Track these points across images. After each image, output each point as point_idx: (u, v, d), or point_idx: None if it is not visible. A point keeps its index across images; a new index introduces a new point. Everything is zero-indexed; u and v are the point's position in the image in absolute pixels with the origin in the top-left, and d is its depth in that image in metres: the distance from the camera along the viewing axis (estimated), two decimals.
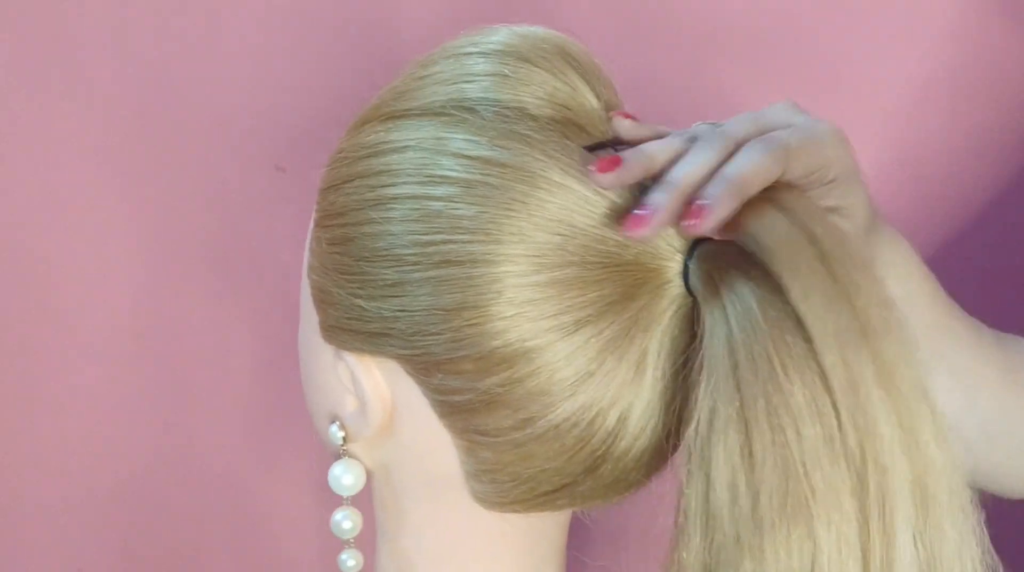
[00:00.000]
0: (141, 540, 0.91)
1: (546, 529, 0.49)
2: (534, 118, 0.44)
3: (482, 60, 0.45)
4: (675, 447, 0.44)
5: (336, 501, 0.49)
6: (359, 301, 0.43)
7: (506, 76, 0.44)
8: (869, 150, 0.69)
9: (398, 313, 0.42)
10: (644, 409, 0.42)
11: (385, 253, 0.42)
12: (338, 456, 0.48)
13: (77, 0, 0.82)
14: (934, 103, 0.74)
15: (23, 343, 0.87)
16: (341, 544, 0.50)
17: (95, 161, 0.85)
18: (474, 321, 0.41)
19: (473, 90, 0.44)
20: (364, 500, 0.50)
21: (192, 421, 0.89)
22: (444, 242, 0.41)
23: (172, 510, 0.91)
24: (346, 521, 0.49)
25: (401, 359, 0.44)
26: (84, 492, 0.89)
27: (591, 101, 0.45)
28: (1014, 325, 0.58)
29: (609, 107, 0.46)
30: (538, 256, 0.41)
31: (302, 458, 0.87)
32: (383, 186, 0.43)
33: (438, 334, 0.42)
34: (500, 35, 0.46)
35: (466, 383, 0.42)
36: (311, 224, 0.48)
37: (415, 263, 0.42)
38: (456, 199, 0.41)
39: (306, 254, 0.48)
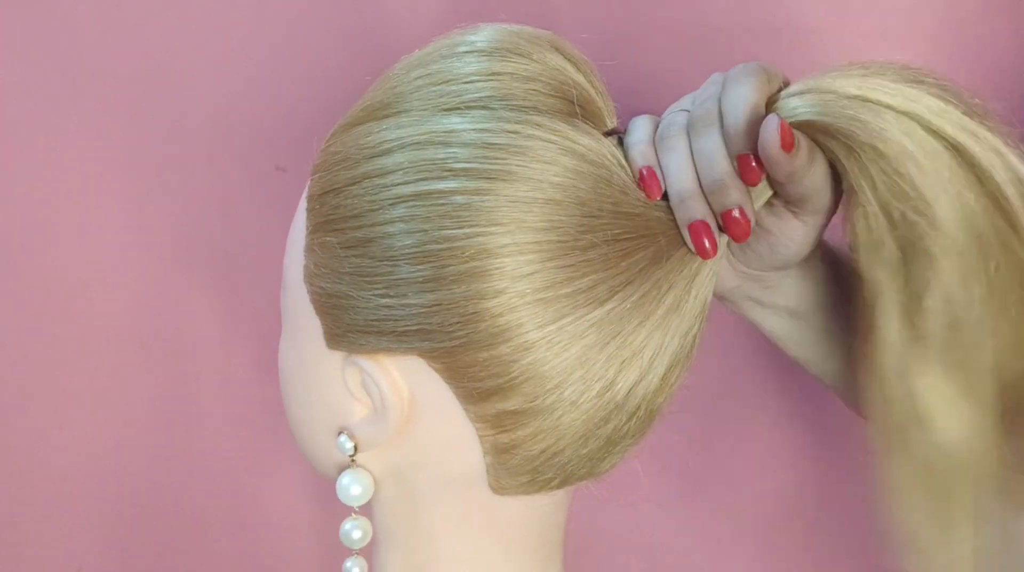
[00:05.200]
0: (141, 540, 0.91)
1: (555, 521, 0.50)
2: (539, 111, 0.44)
3: (480, 58, 0.45)
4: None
5: (335, 503, 0.48)
6: (386, 301, 0.43)
7: (506, 73, 0.44)
8: None
9: (434, 308, 0.42)
10: (671, 355, 0.44)
11: (415, 251, 0.42)
12: (341, 469, 0.48)
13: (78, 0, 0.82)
14: None
15: (23, 343, 0.87)
16: (342, 549, 0.49)
17: (95, 161, 0.85)
18: (513, 305, 0.41)
19: (475, 88, 0.44)
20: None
21: (192, 421, 0.89)
22: (477, 234, 0.41)
23: (172, 510, 0.91)
24: (356, 531, 0.49)
25: (432, 353, 0.43)
26: (84, 492, 0.89)
27: (590, 92, 0.46)
28: None
29: (603, 98, 0.47)
30: (567, 241, 0.41)
31: (301, 460, 0.87)
32: (399, 184, 0.42)
33: (477, 322, 0.42)
34: (493, 33, 0.46)
35: (501, 366, 0.42)
36: (301, 232, 0.47)
37: (449, 257, 0.41)
38: (482, 191, 0.41)
39: (297, 262, 0.47)
